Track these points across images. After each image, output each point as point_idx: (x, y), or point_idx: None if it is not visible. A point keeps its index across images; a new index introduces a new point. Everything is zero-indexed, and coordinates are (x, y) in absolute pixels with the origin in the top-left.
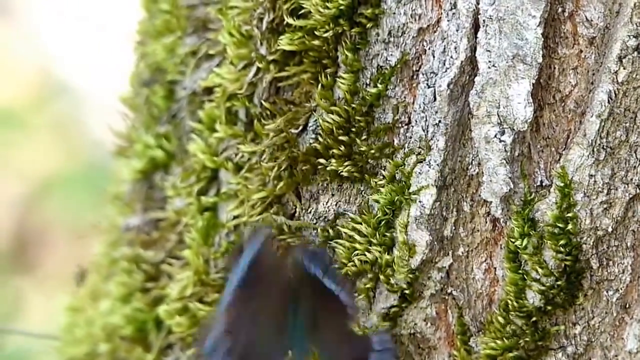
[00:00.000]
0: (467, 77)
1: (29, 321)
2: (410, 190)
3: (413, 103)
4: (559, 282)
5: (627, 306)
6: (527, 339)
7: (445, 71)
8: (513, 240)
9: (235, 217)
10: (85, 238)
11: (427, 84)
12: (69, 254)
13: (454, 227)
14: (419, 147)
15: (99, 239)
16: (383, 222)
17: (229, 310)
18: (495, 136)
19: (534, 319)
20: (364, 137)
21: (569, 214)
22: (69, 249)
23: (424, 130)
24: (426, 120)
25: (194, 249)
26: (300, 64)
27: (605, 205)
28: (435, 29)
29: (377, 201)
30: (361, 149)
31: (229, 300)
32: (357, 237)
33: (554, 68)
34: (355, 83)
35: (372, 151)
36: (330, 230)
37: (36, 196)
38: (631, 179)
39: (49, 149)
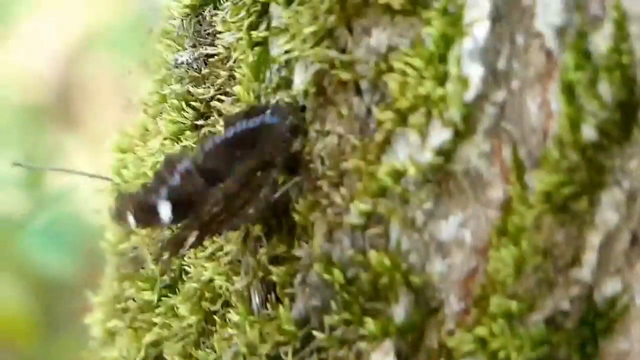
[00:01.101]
0: None
1: None
2: (464, 23)
3: None
4: (613, 116)
5: None
6: (583, 174)
7: None
8: (567, 72)
9: (286, 52)
10: (132, 79)
11: None
12: (114, 110)
13: (507, 60)
14: None
15: (148, 76)
16: (436, 56)
17: (208, 154)
18: None
19: (589, 153)
20: None
21: (624, 46)
22: (113, 104)
23: None
24: None
25: (244, 84)
26: None
27: None
28: None
29: (430, 34)
30: None
31: (211, 146)
32: (409, 71)
33: None
34: None
35: None
36: (383, 64)
37: (79, 50)
38: None
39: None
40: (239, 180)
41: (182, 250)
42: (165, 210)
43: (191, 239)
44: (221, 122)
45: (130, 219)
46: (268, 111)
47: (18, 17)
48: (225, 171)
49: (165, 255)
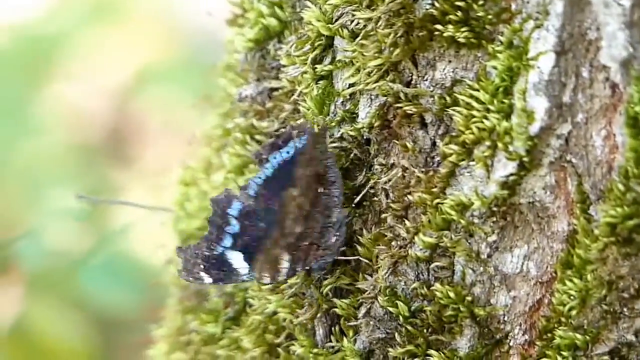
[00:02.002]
0: None
1: None
2: (529, 56)
3: None
4: None
5: None
6: None
7: None
8: (633, 105)
9: (351, 85)
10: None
11: None
12: (168, 146)
13: (572, 93)
14: (537, 12)
15: (210, 111)
16: (501, 89)
17: (255, 196)
18: (614, 0)
19: None
20: (480, 2)
21: None
22: (168, 142)
23: None
24: None
25: (309, 118)
26: None
27: None
28: None
29: (494, 67)
30: (478, 14)
31: (255, 188)
32: (474, 104)
33: None
34: None
35: (490, 16)
36: (448, 98)
37: (134, 87)
38: None
39: (147, 38)
40: (301, 190)
41: (278, 276)
42: (238, 262)
43: (284, 264)
44: (254, 160)
45: (205, 276)
46: (294, 134)
47: (71, 56)
48: (278, 207)
49: (266, 279)
